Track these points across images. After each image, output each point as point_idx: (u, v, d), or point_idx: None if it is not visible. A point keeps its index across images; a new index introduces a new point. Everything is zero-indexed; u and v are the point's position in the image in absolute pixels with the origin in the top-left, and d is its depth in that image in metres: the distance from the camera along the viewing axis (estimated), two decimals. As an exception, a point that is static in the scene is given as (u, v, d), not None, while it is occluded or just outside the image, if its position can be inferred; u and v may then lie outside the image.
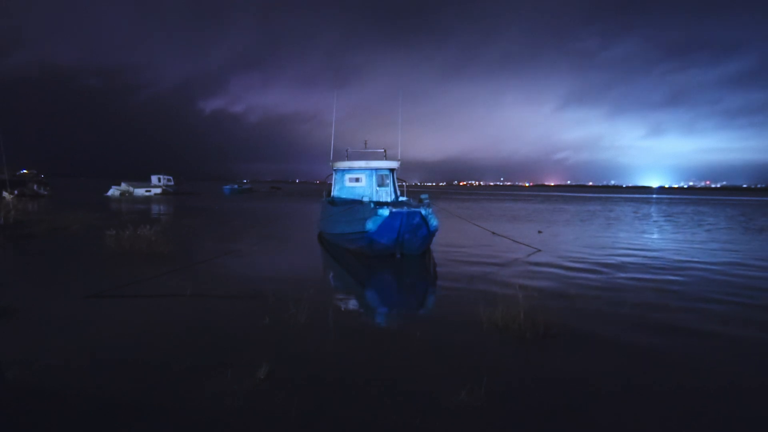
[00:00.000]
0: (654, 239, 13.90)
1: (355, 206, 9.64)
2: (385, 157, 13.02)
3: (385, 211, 8.69)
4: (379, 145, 13.24)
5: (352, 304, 6.34)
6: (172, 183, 47.36)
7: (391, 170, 12.68)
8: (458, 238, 12.98)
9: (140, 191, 40.02)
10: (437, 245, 10.79)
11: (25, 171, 35.45)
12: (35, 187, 31.38)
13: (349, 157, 13.09)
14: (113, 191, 38.44)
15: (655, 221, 21.24)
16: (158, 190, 42.92)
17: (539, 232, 15.12)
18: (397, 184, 12.88)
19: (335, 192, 12.79)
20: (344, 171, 12.67)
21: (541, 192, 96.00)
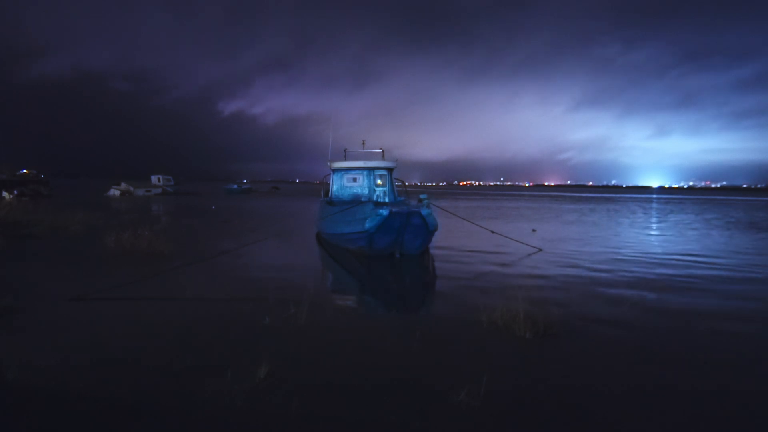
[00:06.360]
0: (604, 235, 13.96)
1: (355, 206, 9.64)
2: (383, 157, 13.02)
3: (384, 211, 8.68)
4: (385, 145, 13.22)
5: (352, 304, 6.34)
6: (172, 183, 47.40)
7: (389, 170, 12.66)
8: (457, 237, 12.98)
9: (140, 191, 40.07)
10: (436, 245, 10.79)
11: (25, 171, 35.41)
12: (35, 187, 31.34)
13: (347, 157, 13.09)
14: (113, 191, 38.50)
15: (622, 218, 21.93)
16: (158, 191, 42.96)
17: (533, 230, 15.38)
18: (394, 184, 12.88)
19: (333, 192, 12.78)
20: (342, 171, 12.66)
21: (538, 192, 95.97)
